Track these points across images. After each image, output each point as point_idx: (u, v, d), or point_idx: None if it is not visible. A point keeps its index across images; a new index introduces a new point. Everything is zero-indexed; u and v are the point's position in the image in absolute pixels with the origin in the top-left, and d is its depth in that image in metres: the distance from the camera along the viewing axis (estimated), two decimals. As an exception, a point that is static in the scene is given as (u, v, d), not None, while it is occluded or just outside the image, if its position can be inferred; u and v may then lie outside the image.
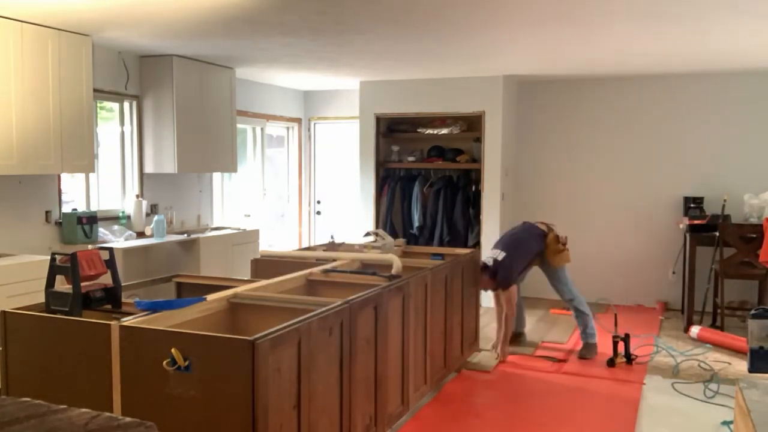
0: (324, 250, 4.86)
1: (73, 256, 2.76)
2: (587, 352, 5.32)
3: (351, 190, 8.20)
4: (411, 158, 7.66)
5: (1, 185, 4.78)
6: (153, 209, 6.13)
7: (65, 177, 5.36)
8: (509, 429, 3.95)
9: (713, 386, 4.52)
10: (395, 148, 7.77)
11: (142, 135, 5.99)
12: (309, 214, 8.81)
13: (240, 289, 3.29)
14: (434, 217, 7.43)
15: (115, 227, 5.60)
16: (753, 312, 3.66)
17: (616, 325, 5.26)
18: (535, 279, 7.56)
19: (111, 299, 2.89)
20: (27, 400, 1.55)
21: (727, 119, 6.81)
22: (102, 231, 5.41)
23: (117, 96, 5.80)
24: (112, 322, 2.52)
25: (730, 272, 5.89)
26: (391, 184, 7.64)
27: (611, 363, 5.05)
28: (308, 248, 5.32)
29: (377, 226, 7.51)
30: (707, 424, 3.93)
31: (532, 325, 6.28)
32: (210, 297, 3.06)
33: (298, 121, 8.62)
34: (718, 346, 5.49)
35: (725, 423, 3.88)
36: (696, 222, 6.16)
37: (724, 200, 6.20)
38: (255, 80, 7.58)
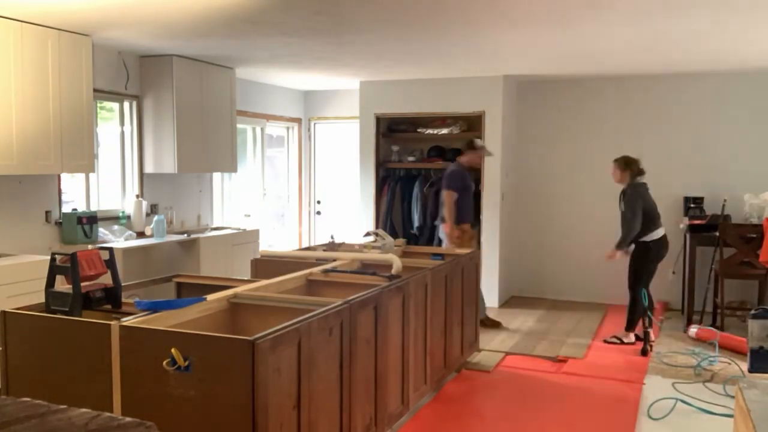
0: (324, 250, 4.86)
1: (73, 256, 2.76)
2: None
3: (351, 190, 8.20)
4: (411, 158, 7.66)
5: (1, 185, 4.78)
6: (153, 209, 6.13)
7: (65, 177, 5.36)
8: (509, 429, 3.95)
9: (713, 386, 4.53)
10: (395, 148, 7.77)
11: (142, 135, 5.99)
12: (309, 214, 8.81)
13: (240, 289, 3.29)
14: (434, 217, 7.43)
15: (115, 227, 5.60)
16: (753, 312, 3.66)
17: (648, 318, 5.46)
18: (536, 279, 7.58)
19: (111, 299, 2.89)
20: (27, 400, 1.55)
21: (727, 119, 6.81)
22: (102, 231, 5.41)
23: (117, 96, 5.80)
24: (112, 322, 2.52)
25: (730, 272, 5.89)
26: (391, 184, 7.64)
27: (645, 352, 5.34)
28: (308, 248, 5.31)
29: (377, 226, 7.51)
30: (707, 424, 3.93)
31: (532, 324, 6.29)
32: (210, 297, 3.06)
33: (298, 121, 8.62)
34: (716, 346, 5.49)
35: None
36: (696, 222, 6.16)
37: (724, 200, 6.20)
38: (255, 80, 7.58)
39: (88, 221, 5.19)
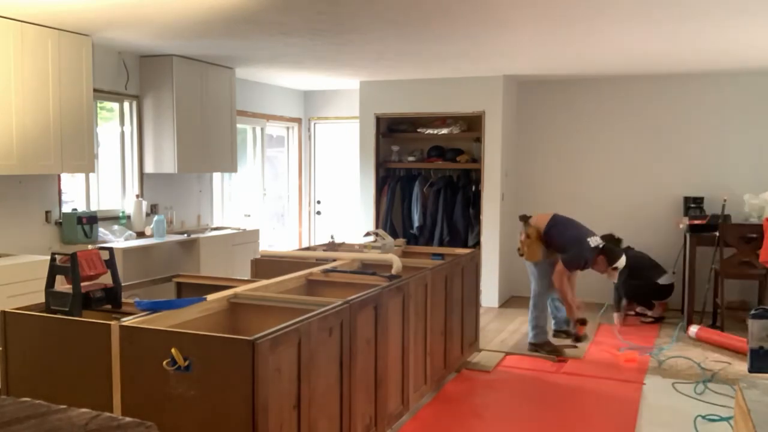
0: (324, 250, 4.86)
1: (73, 256, 2.76)
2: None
3: (351, 190, 8.20)
4: (411, 158, 7.66)
5: (1, 185, 4.78)
6: (153, 209, 6.13)
7: (65, 177, 5.36)
8: (509, 429, 3.95)
9: (713, 386, 4.53)
10: (395, 148, 7.77)
11: (142, 135, 5.99)
12: (309, 214, 8.81)
13: (240, 289, 3.29)
14: (434, 217, 7.43)
15: (115, 227, 5.60)
16: (753, 312, 3.66)
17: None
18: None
19: (111, 299, 2.89)
20: (27, 400, 1.55)
21: (727, 119, 6.81)
22: (102, 231, 5.41)
23: (117, 96, 5.80)
24: (112, 322, 2.52)
25: (730, 272, 5.89)
26: (391, 184, 7.64)
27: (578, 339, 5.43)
28: (308, 248, 5.31)
29: (377, 226, 7.51)
30: (707, 425, 3.93)
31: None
32: (210, 297, 3.06)
33: (298, 121, 8.62)
34: (716, 346, 5.49)
35: (708, 418, 3.92)
36: (696, 222, 6.16)
37: (724, 200, 6.20)
38: (255, 80, 7.58)
39: (88, 221, 5.19)
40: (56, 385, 2.60)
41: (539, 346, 5.37)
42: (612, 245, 5.47)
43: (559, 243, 5.33)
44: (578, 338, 5.50)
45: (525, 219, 5.49)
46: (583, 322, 5.46)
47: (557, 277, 5.27)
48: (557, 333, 5.77)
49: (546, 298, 5.49)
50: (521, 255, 5.47)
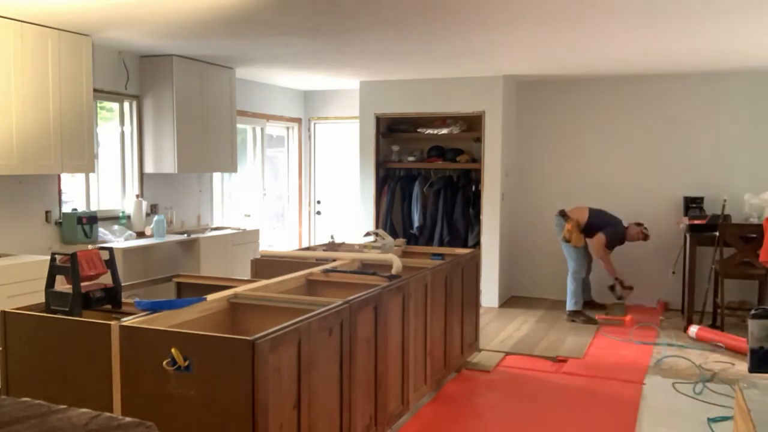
0: (324, 250, 4.86)
1: (73, 256, 2.76)
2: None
3: (351, 190, 8.20)
4: (411, 158, 7.66)
5: (1, 185, 4.78)
6: (153, 209, 6.13)
7: (65, 177, 5.36)
8: (509, 429, 3.95)
9: (713, 386, 4.53)
10: (395, 148, 7.77)
11: (142, 135, 5.99)
12: (309, 214, 8.81)
13: (240, 289, 3.29)
14: (434, 217, 7.43)
15: (115, 227, 5.60)
16: (753, 312, 3.65)
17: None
18: (536, 279, 7.58)
19: (111, 299, 2.89)
20: (27, 400, 1.55)
21: (727, 119, 6.81)
22: (102, 231, 5.41)
23: (117, 96, 5.80)
24: (112, 322, 2.52)
25: (730, 272, 5.89)
26: (391, 184, 7.64)
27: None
28: (308, 248, 5.32)
29: (377, 226, 7.51)
30: (715, 425, 3.93)
31: (532, 324, 6.29)
32: (210, 297, 3.06)
33: (298, 121, 8.62)
34: (717, 346, 5.49)
35: (713, 420, 3.92)
36: (696, 222, 6.16)
37: (724, 200, 6.20)
38: (255, 80, 7.58)
39: (88, 221, 5.19)
40: (56, 385, 2.60)
41: (577, 314, 6.43)
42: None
43: (600, 226, 6.40)
44: (620, 297, 6.60)
45: (564, 214, 6.53)
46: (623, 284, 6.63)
47: (600, 247, 6.37)
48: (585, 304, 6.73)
49: (582, 275, 6.54)
50: (567, 241, 6.45)
